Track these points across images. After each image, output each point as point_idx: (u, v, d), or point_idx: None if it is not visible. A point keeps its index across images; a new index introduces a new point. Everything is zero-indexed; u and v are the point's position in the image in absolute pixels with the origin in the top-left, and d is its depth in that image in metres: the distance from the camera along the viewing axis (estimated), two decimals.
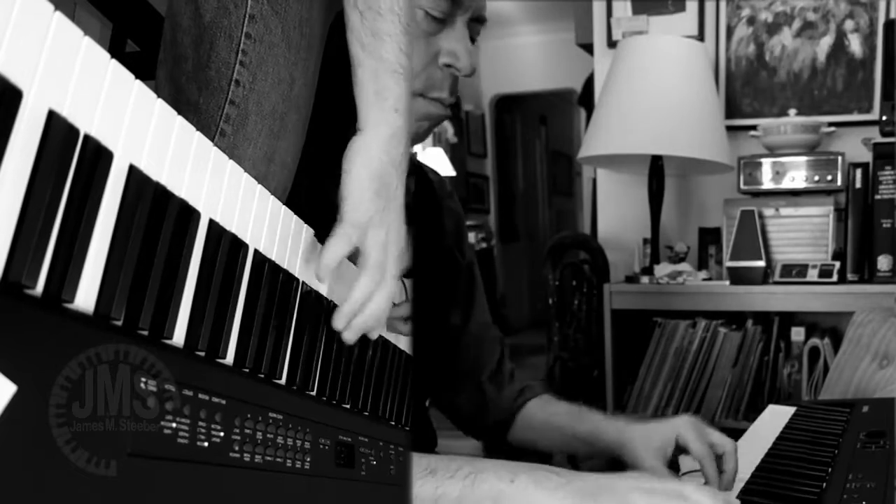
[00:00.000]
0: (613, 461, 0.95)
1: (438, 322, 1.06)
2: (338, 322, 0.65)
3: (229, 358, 0.54)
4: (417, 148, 1.06)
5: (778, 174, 2.06)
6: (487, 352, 1.11)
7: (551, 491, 0.63)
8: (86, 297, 0.41)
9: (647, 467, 0.87)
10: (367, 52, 0.69)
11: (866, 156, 1.95)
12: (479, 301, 1.12)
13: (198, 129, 0.52)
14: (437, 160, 4.53)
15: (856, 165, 1.95)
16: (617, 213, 2.47)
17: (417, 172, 1.05)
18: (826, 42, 2.24)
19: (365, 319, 0.66)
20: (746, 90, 2.32)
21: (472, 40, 0.92)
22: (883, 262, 1.89)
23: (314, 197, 0.77)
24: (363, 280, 0.65)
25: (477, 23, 0.91)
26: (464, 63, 0.88)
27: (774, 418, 1.12)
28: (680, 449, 0.88)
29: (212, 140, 0.54)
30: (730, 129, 2.22)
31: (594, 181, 2.63)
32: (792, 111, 2.17)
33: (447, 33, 0.88)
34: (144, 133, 0.46)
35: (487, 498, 0.63)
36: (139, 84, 0.45)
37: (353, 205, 0.65)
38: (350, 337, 0.66)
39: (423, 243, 1.03)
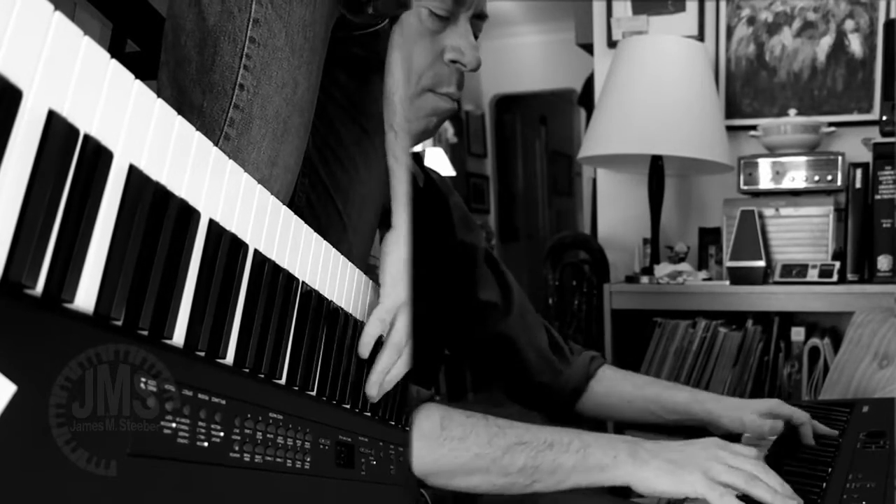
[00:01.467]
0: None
1: (468, 303, 1.08)
2: (371, 390, 0.75)
3: (229, 358, 0.54)
4: (417, 148, 1.08)
5: (778, 174, 2.06)
6: (536, 325, 1.15)
7: (645, 462, 0.73)
8: (86, 297, 0.41)
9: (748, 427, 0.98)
10: (400, 165, 0.82)
11: (866, 156, 1.95)
12: (511, 280, 1.16)
13: (202, 133, 0.52)
14: (437, 160, 4.53)
15: (856, 165, 1.95)
16: (617, 213, 2.47)
17: (424, 170, 1.08)
18: (826, 42, 2.24)
19: (386, 387, 0.77)
20: (746, 90, 2.32)
21: (475, 37, 0.93)
22: (883, 262, 1.89)
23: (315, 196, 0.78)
24: (387, 354, 0.76)
25: (479, 19, 0.93)
26: (469, 58, 0.90)
27: None
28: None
29: (216, 144, 0.54)
30: (730, 129, 2.22)
31: (594, 181, 2.63)
32: (792, 111, 2.17)
33: (451, 30, 0.89)
34: (144, 133, 0.46)
35: (595, 468, 0.74)
36: (139, 84, 0.45)
37: (389, 291, 0.78)
38: (376, 396, 0.76)
39: (436, 236, 1.04)
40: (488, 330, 1.10)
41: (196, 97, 0.76)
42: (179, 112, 0.49)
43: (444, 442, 0.76)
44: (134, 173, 0.44)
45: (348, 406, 0.72)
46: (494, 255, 1.15)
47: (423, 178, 1.05)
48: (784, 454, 0.93)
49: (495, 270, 1.13)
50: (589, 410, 1.14)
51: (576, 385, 1.13)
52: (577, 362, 1.14)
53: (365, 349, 0.75)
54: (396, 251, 0.80)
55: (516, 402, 1.17)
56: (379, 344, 0.77)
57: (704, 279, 2.12)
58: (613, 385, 1.12)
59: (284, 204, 0.64)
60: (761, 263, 1.99)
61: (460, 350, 1.15)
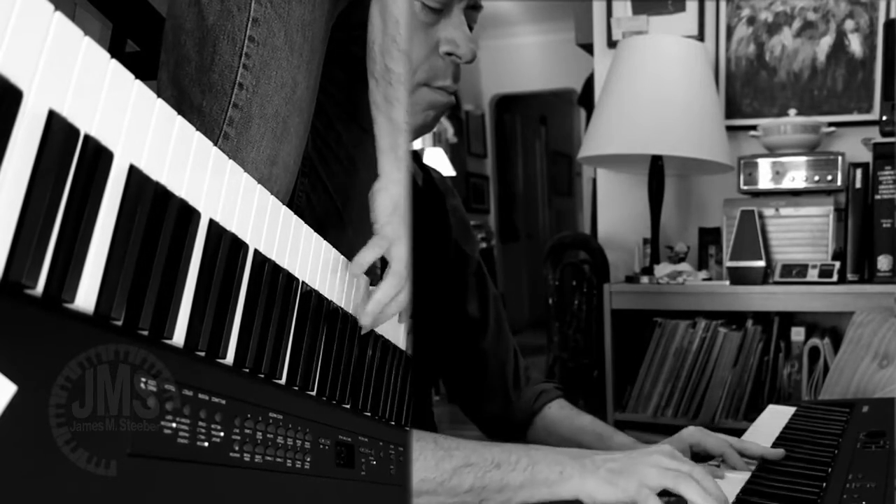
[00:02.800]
0: None
1: (457, 313, 1.07)
2: (365, 320, 0.77)
3: (229, 358, 0.54)
4: (416, 145, 1.08)
5: (778, 174, 2.06)
6: (507, 348, 1.13)
7: (590, 474, 0.74)
8: (86, 297, 0.41)
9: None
10: (381, 113, 0.83)
11: (866, 156, 1.95)
12: (492, 294, 1.13)
13: (201, 133, 0.52)
14: (437, 160, 4.53)
15: (856, 165, 1.95)
16: (617, 213, 2.47)
17: (423, 168, 1.06)
18: (826, 42, 2.24)
19: (386, 317, 0.79)
20: (746, 90, 2.32)
21: (470, 28, 0.92)
22: (883, 262, 1.89)
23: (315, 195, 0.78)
24: (389, 283, 0.79)
25: (473, 10, 0.91)
26: (464, 50, 0.89)
27: (774, 418, 1.11)
28: (697, 456, 0.93)
29: (215, 143, 0.54)
30: (730, 129, 2.22)
31: (594, 181, 2.63)
32: (792, 111, 2.17)
33: (445, 22, 0.88)
34: (144, 133, 0.46)
35: (543, 484, 0.75)
36: (139, 84, 0.45)
37: (383, 224, 0.81)
38: (369, 325, 0.78)
39: (432, 236, 1.04)
40: (467, 346, 1.09)
41: (195, 96, 0.76)
42: (179, 112, 0.49)
43: None
44: (134, 173, 0.44)
45: (348, 406, 0.72)
46: (484, 270, 1.13)
47: (422, 177, 1.03)
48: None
49: (480, 284, 1.12)
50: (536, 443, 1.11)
51: (521, 420, 1.11)
52: (525, 396, 1.12)
53: (358, 269, 0.77)
54: (385, 195, 0.82)
55: (474, 423, 1.15)
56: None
57: (704, 279, 2.12)
58: (554, 425, 1.10)
59: (284, 203, 0.64)
60: (761, 263, 1.99)
61: (439, 360, 1.12)
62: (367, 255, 0.78)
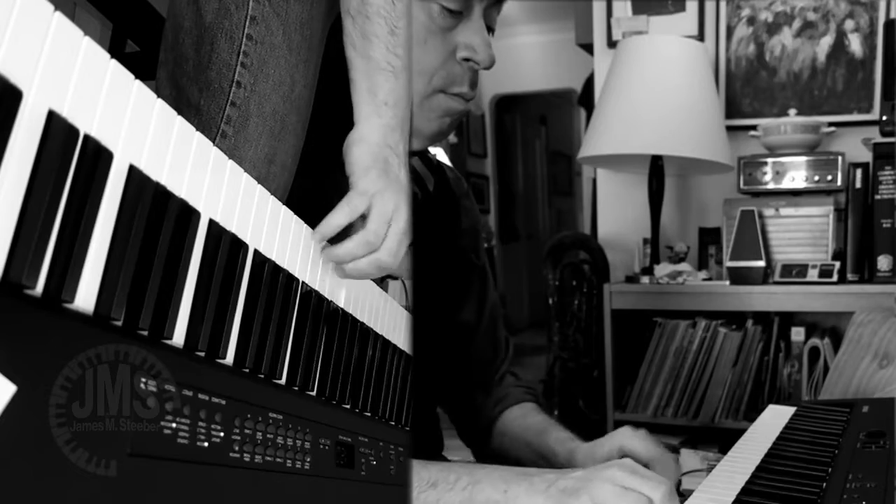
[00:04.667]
0: None
1: (452, 319, 1.05)
2: (315, 237, 0.68)
3: (229, 358, 0.54)
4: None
5: (778, 174, 2.06)
6: (493, 354, 1.10)
7: (538, 493, 0.66)
8: (86, 297, 0.41)
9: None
10: (358, 53, 0.75)
11: (866, 156, 1.95)
12: (490, 300, 1.10)
13: (199, 131, 0.52)
14: None
15: (856, 165, 1.95)
16: (617, 213, 2.47)
17: (437, 172, 1.04)
18: (826, 42, 2.24)
19: (355, 271, 0.71)
20: (746, 90, 2.32)
21: (491, 30, 0.90)
22: (883, 262, 1.89)
23: (313, 197, 0.77)
24: (355, 239, 0.69)
25: (494, 8, 0.89)
26: (482, 56, 0.87)
27: (774, 418, 1.11)
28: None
29: (213, 141, 0.54)
30: (730, 129, 2.22)
31: (594, 181, 2.63)
32: (792, 111, 2.17)
33: (464, 26, 0.86)
34: (144, 133, 0.46)
35: None
36: (139, 84, 0.45)
37: (358, 176, 0.71)
38: (321, 253, 0.69)
39: (441, 240, 1.02)
40: (453, 351, 1.05)
41: (193, 95, 0.75)
42: (177, 110, 0.49)
43: None
44: (134, 173, 0.44)
45: (348, 406, 0.72)
46: (487, 275, 1.10)
47: (433, 182, 1.00)
48: (781, 455, 0.93)
49: (482, 290, 1.08)
50: (500, 452, 1.05)
51: (484, 425, 1.06)
52: (490, 401, 1.06)
53: (325, 233, 0.68)
54: (362, 146, 0.72)
55: (456, 432, 1.11)
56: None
57: (704, 279, 2.12)
58: (513, 430, 1.04)
59: (282, 202, 0.64)
60: (761, 263, 1.99)
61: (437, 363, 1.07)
62: (337, 218, 0.68)
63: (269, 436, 0.55)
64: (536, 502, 0.66)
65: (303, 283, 0.65)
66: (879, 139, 1.92)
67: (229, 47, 0.75)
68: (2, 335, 0.35)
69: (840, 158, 2.01)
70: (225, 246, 0.53)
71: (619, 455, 0.86)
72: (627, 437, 0.87)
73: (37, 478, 0.36)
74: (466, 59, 0.87)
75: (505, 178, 6.33)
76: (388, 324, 0.82)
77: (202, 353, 0.51)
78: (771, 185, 2.06)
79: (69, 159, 0.40)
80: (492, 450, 1.07)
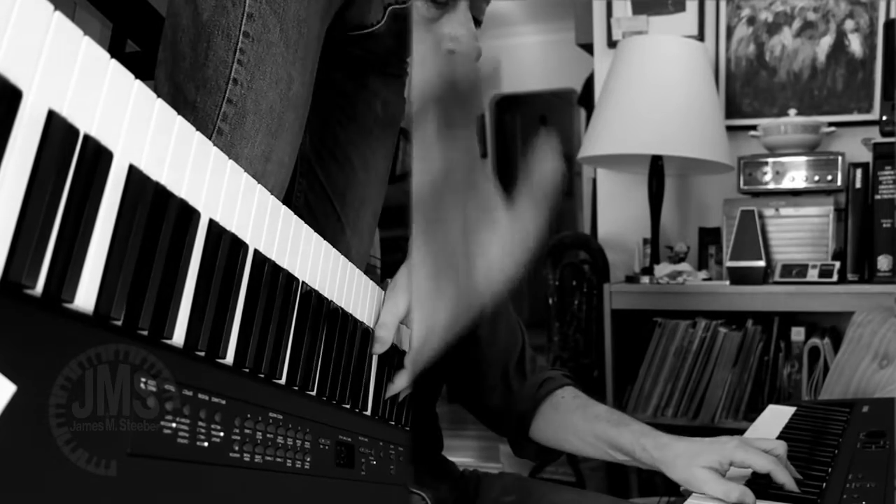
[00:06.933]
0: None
1: None
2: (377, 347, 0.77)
3: (229, 358, 0.54)
4: None
5: (778, 174, 2.06)
6: (512, 338, 1.07)
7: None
8: (86, 297, 0.41)
9: (698, 482, 0.82)
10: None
11: (866, 156, 1.95)
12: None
13: (195, 128, 0.51)
14: None
15: (856, 165, 1.95)
16: (617, 213, 2.47)
17: None
18: (826, 42, 2.24)
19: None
20: (746, 90, 2.32)
21: (479, 22, 0.89)
22: (883, 262, 1.89)
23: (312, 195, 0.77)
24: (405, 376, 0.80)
25: (482, 0, 0.88)
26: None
27: (774, 418, 1.11)
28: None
29: (209, 139, 0.54)
30: (730, 129, 2.22)
31: (594, 181, 2.63)
32: (792, 111, 2.17)
33: (449, 18, 0.86)
34: (144, 133, 0.46)
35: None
36: (139, 84, 0.45)
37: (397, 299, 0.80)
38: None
39: None
40: (463, 339, 1.05)
41: (189, 92, 0.75)
42: (174, 108, 0.49)
43: None
44: (134, 173, 0.44)
45: (348, 406, 0.72)
46: None
47: None
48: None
49: None
50: (542, 440, 1.03)
51: (523, 411, 1.02)
52: (528, 385, 1.03)
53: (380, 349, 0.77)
54: (408, 279, 0.79)
55: (478, 419, 1.09)
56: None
57: (704, 279, 2.12)
58: (565, 416, 1.00)
59: (279, 200, 0.64)
60: (761, 263, 1.99)
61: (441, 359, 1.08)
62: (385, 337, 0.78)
63: (268, 436, 0.55)
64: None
65: (303, 282, 0.65)
66: (879, 139, 1.92)
67: (226, 44, 0.74)
68: (2, 335, 0.35)
69: (840, 158, 2.01)
70: (225, 246, 0.53)
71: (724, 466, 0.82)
72: (739, 452, 0.82)
73: (37, 478, 0.36)
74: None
75: (505, 178, 6.31)
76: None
77: (202, 353, 0.51)
78: (771, 185, 2.07)
79: (69, 159, 0.40)
80: (535, 437, 1.03)
